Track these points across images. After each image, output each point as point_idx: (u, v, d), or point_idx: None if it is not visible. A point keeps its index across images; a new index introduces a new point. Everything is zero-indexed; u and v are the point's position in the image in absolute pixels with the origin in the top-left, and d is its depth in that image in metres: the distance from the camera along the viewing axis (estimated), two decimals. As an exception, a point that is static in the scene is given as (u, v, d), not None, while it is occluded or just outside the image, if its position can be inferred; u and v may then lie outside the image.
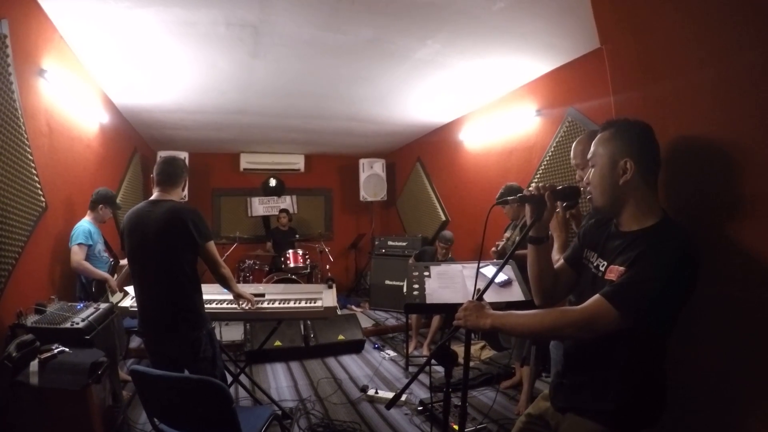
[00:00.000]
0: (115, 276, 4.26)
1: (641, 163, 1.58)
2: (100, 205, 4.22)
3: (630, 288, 1.47)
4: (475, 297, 1.81)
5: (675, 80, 1.90)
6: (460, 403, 2.15)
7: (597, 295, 1.52)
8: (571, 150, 2.31)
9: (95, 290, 4.06)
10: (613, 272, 1.57)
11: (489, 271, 2.34)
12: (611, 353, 1.58)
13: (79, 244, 3.92)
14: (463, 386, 2.07)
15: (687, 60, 1.86)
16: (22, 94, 3.16)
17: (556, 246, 2.24)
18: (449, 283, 2.44)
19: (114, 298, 3.97)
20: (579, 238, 1.92)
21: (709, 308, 1.75)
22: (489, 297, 1.87)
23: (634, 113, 2.02)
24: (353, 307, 8.22)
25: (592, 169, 1.69)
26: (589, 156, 1.72)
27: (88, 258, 4.01)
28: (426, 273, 2.53)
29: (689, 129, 1.85)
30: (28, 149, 3.28)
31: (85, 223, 4.07)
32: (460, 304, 1.78)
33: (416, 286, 2.43)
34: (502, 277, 2.37)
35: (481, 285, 1.87)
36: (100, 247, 4.20)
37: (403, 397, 4.15)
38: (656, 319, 1.49)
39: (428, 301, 2.35)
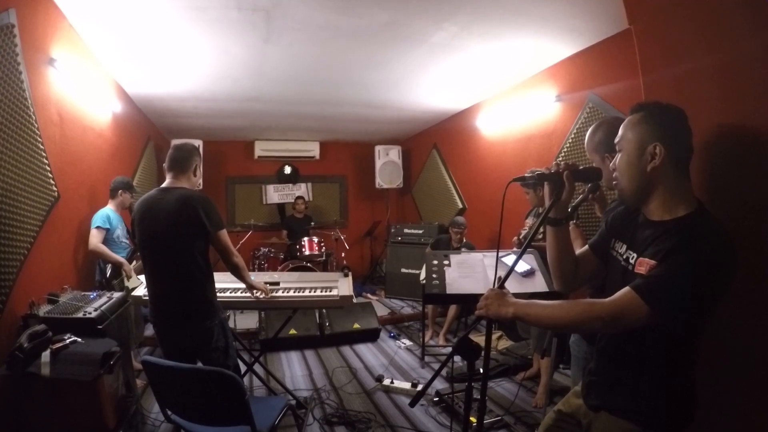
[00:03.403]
0: (134, 263, 4.26)
1: (672, 148, 1.48)
2: (120, 191, 4.35)
3: (662, 282, 1.39)
4: (496, 285, 1.74)
5: (709, 59, 1.80)
6: (476, 395, 2.08)
7: (627, 288, 1.44)
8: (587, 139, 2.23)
9: (110, 274, 4.12)
10: (643, 265, 1.48)
11: (511, 260, 2.27)
12: (645, 352, 1.52)
13: (98, 227, 4.04)
14: (483, 379, 2.00)
15: (722, 37, 1.75)
16: (31, 83, 3.13)
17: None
18: (470, 272, 2.36)
19: (130, 283, 4.00)
20: (606, 225, 1.83)
21: (747, 310, 1.67)
22: (511, 288, 1.79)
23: (665, 94, 1.93)
24: (368, 295, 8.19)
25: (619, 155, 1.60)
26: (616, 140, 1.63)
27: (107, 243, 4.10)
28: (446, 262, 2.45)
29: (725, 111, 1.75)
30: (39, 139, 3.25)
31: (106, 209, 4.20)
32: (482, 295, 1.72)
33: (436, 275, 2.36)
34: (524, 267, 2.30)
35: (502, 273, 1.79)
36: (119, 232, 4.28)
37: (418, 387, 4.10)
38: (688, 316, 1.42)
39: (448, 291, 2.28)
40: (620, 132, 1.61)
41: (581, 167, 1.72)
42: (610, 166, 1.67)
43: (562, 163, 1.72)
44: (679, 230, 1.44)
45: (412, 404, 1.95)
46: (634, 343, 1.53)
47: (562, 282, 1.87)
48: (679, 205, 1.50)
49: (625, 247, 1.66)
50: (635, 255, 1.56)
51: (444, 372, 4.25)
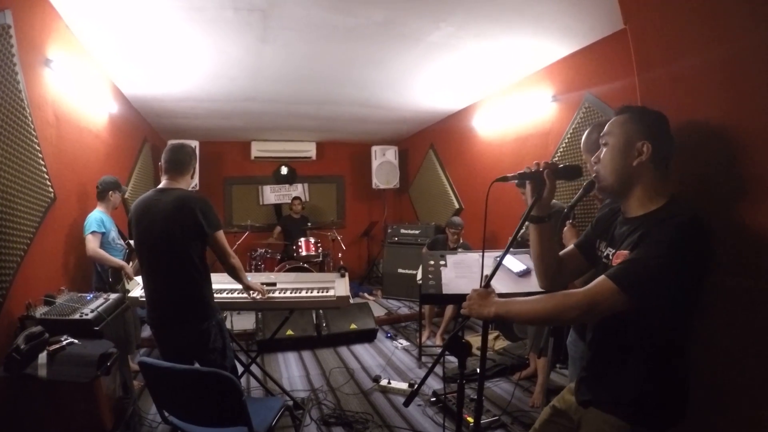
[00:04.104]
0: (131, 263, 4.24)
1: (657, 149, 1.56)
2: (110, 192, 4.22)
3: (633, 266, 1.46)
4: (482, 285, 1.77)
5: (705, 57, 1.81)
6: (473, 395, 2.09)
7: (601, 276, 1.50)
8: (582, 141, 2.29)
9: (111, 278, 4.06)
10: (620, 257, 1.56)
11: (508, 259, 2.27)
12: (628, 346, 1.56)
13: (93, 232, 3.93)
14: (480, 378, 2.00)
15: (719, 34, 1.76)
16: (27, 84, 3.12)
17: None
18: (466, 272, 2.37)
19: (131, 286, 3.96)
20: (592, 226, 1.90)
21: (715, 299, 1.70)
22: (507, 287, 1.80)
23: (661, 94, 1.97)
24: (365, 295, 8.19)
25: (604, 148, 1.66)
26: (601, 135, 1.69)
27: (102, 246, 4.01)
28: (442, 262, 2.47)
29: (722, 109, 1.76)
30: (36, 140, 3.24)
31: (97, 213, 4.08)
32: None
33: (432, 275, 2.37)
34: (520, 267, 2.31)
35: (492, 273, 1.81)
36: (113, 234, 4.20)
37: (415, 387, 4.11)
38: (663, 299, 1.45)
39: (444, 291, 2.30)
40: (606, 129, 1.67)
41: (561, 165, 1.75)
42: (592, 160, 1.72)
43: (542, 162, 1.76)
44: (649, 220, 1.53)
45: (406, 404, 1.97)
46: (617, 337, 1.58)
47: (545, 279, 1.90)
48: (653, 201, 1.58)
49: (605, 244, 1.74)
50: (614, 250, 1.64)
51: (442, 372, 4.25)
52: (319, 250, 7.85)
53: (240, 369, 3.58)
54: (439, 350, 5.35)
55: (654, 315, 1.48)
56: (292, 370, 4.87)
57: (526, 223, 1.83)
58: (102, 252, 3.95)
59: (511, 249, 1.86)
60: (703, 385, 1.71)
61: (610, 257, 1.64)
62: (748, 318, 1.65)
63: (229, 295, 3.47)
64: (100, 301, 3.15)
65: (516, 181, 1.84)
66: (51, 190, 3.50)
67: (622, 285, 1.43)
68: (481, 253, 2.49)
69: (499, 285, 1.74)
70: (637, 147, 1.56)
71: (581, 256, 1.88)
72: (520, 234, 1.85)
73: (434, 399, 3.98)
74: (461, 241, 5.83)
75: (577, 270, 1.92)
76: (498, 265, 1.79)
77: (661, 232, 1.44)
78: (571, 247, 1.94)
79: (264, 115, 7.43)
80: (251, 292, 3.29)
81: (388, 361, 5.13)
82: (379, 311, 6.99)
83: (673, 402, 1.56)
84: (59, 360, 2.51)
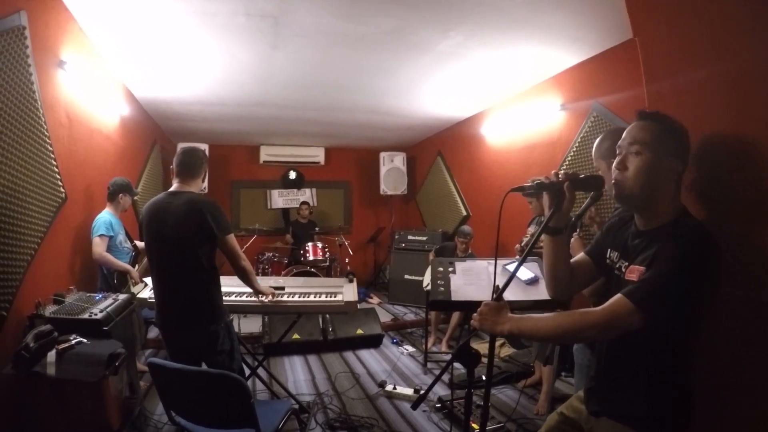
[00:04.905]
0: (137, 266, 4.25)
1: (683, 168, 1.56)
2: (120, 194, 4.21)
3: (649, 285, 1.44)
4: (494, 297, 1.72)
5: (714, 69, 1.81)
6: (479, 402, 2.08)
7: (618, 295, 1.48)
8: (594, 148, 2.25)
9: (117, 282, 4.05)
10: (634, 272, 1.53)
11: (514, 268, 2.28)
12: (641, 356, 1.55)
13: (101, 235, 3.92)
14: (486, 386, 2.00)
15: (728, 47, 1.76)
16: (41, 85, 3.16)
17: None
18: (475, 279, 2.37)
19: (136, 289, 3.96)
20: (602, 233, 1.87)
21: (716, 306, 1.70)
22: (515, 295, 1.79)
23: (669, 104, 1.97)
24: (366, 299, 8.18)
25: (635, 157, 1.55)
26: (631, 141, 1.57)
27: (109, 249, 4.00)
28: (451, 269, 2.46)
29: (729, 121, 1.76)
30: (48, 140, 3.28)
31: (106, 215, 4.07)
32: None
33: (441, 282, 2.37)
34: (528, 275, 2.30)
35: (502, 283, 1.78)
36: (121, 238, 4.19)
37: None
38: (680, 316, 1.45)
39: (453, 298, 2.29)
40: (639, 135, 1.56)
41: (581, 176, 1.69)
42: (615, 165, 1.62)
43: (561, 172, 1.71)
44: (664, 235, 1.50)
45: (414, 407, 1.97)
46: (630, 348, 1.56)
47: (554, 289, 1.88)
48: (668, 213, 1.56)
49: (617, 254, 1.71)
50: (627, 263, 1.61)
51: (447, 379, 4.25)
52: (326, 255, 7.85)
53: (246, 372, 3.59)
54: (444, 356, 5.39)
55: (667, 328, 1.47)
56: (298, 374, 4.88)
57: (529, 231, 1.82)
58: (108, 255, 3.95)
59: (516, 259, 1.84)
60: (704, 386, 1.71)
61: (623, 270, 1.62)
62: (749, 325, 1.65)
63: (238, 298, 3.47)
64: (109, 301, 3.16)
65: (520, 192, 1.78)
66: (62, 190, 3.53)
67: (640, 304, 1.42)
68: (489, 261, 2.50)
69: (506, 293, 1.71)
70: (671, 165, 1.53)
71: (592, 264, 1.85)
72: (525, 243, 1.84)
73: (439, 405, 3.97)
74: (470, 251, 5.83)
75: (586, 279, 1.89)
76: (511, 277, 1.75)
77: (674, 248, 1.43)
78: (581, 255, 1.91)
79: (273, 120, 7.48)
80: (260, 295, 3.31)
81: (394, 367, 5.13)
82: (385, 317, 6.97)
83: (684, 410, 1.56)
84: (68, 359, 2.52)
